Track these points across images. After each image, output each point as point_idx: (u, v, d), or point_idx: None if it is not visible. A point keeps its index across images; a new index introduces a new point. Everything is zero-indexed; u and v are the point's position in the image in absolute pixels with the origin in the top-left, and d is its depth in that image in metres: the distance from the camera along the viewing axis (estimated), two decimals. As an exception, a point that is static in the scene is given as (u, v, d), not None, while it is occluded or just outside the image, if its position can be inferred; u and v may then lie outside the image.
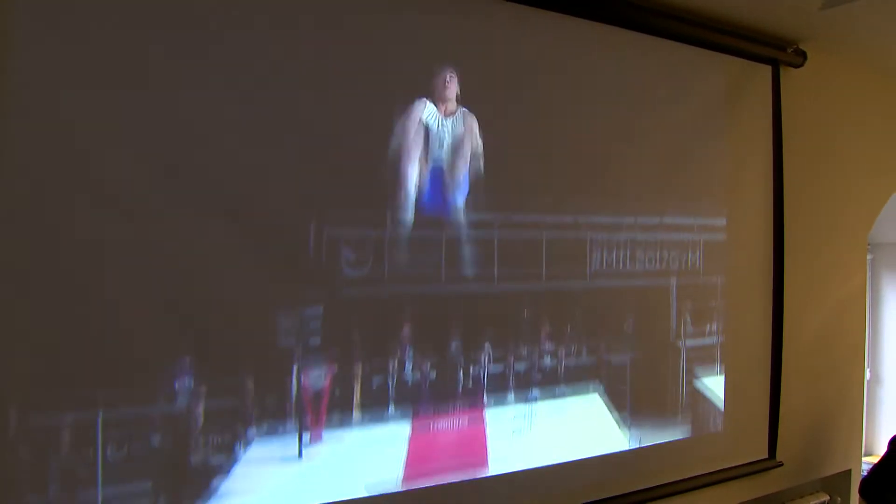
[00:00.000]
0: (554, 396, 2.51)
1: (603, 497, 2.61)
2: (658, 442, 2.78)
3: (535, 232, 2.46)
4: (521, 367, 2.43)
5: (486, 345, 2.35)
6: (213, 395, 1.88)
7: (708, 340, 2.96)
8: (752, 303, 3.13)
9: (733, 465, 3.04)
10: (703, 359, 2.94)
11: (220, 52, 1.87)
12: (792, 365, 3.25)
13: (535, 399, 2.46)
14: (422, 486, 2.21)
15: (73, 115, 1.68)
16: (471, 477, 2.31)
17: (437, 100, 2.24)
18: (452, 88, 2.27)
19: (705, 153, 2.93)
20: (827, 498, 3.48)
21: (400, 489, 2.17)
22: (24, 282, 1.64)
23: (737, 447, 3.07)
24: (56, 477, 1.67)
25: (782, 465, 3.21)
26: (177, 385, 1.83)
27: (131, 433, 1.76)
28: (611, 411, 2.65)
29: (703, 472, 2.92)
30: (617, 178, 2.66)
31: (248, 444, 1.93)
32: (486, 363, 2.35)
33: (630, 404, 2.70)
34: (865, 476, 2.91)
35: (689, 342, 2.89)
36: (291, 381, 2.00)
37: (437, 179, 2.25)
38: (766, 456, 3.18)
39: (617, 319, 2.68)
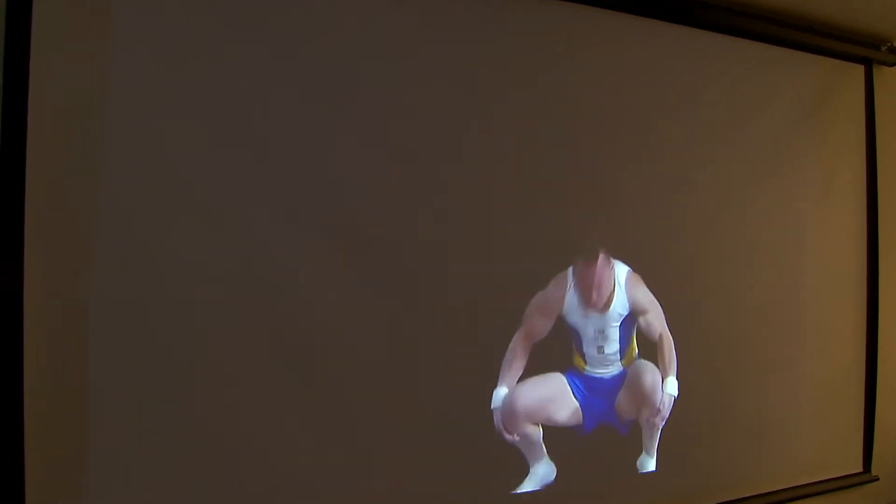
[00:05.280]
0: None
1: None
2: (743, 452, 2.72)
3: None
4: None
5: None
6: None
7: (797, 347, 2.87)
8: (844, 310, 3.03)
9: (825, 478, 2.94)
10: (792, 365, 2.86)
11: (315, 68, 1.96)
12: (888, 372, 3.14)
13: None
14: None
15: (172, 136, 1.77)
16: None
17: None
18: None
19: (795, 156, 2.85)
20: (926, 515, 3.34)
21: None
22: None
23: (829, 460, 2.97)
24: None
25: (878, 479, 3.10)
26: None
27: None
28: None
29: (793, 486, 2.85)
30: (706, 182, 2.62)
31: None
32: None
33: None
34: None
35: (777, 348, 2.81)
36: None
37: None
38: (860, 470, 3.08)
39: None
